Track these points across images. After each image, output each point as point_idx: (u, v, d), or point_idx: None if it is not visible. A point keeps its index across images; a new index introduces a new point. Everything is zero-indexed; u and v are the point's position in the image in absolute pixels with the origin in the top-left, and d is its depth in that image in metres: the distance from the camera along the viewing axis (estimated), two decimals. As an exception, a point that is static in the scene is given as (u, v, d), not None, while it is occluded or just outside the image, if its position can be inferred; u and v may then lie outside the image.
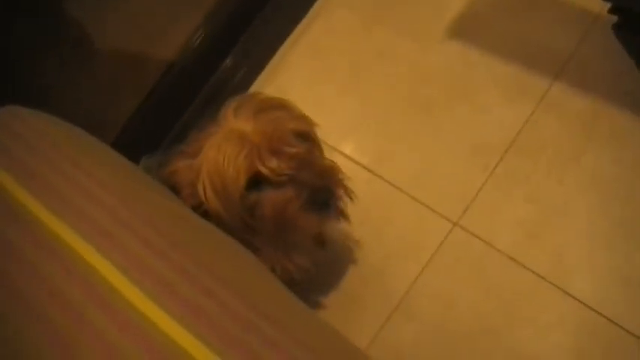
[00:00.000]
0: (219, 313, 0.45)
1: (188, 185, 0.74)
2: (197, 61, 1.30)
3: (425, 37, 1.18)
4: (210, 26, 1.31)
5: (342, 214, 0.84)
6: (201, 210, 0.73)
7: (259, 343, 0.43)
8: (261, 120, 0.72)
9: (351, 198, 0.83)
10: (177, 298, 0.45)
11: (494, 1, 1.15)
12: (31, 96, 1.04)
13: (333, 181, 0.78)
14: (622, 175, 0.93)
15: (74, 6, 1.15)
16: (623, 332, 0.83)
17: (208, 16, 1.31)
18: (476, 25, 1.15)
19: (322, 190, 0.74)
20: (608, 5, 0.87)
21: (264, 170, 0.70)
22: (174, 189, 0.75)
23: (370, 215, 1.04)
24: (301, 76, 1.26)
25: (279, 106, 0.76)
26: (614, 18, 0.88)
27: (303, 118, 0.78)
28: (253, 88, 1.29)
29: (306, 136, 0.77)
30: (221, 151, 0.70)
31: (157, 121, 1.27)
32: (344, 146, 1.13)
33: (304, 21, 1.32)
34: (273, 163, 0.71)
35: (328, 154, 0.83)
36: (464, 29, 1.15)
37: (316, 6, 1.33)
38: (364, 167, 1.10)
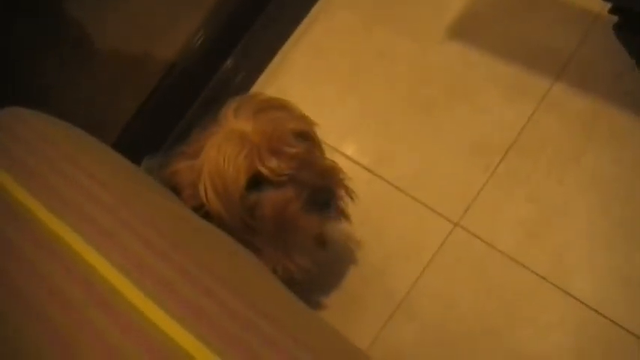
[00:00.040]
0: (219, 312, 0.45)
1: (189, 186, 0.74)
2: (198, 62, 1.30)
3: (425, 38, 1.18)
4: (211, 27, 1.31)
5: (343, 214, 0.84)
6: (203, 211, 0.73)
7: (259, 343, 0.43)
8: (261, 120, 0.72)
9: (351, 198, 0.83)
10: (178, 298, 0.45)
11: (494, 1, 1.15)
12: (31, 96, 1.04)
13: (334, 181, 0.78)
14: (622, 175, 0.93)
15: (74, 6, 1.15)
16: (624, 332, 0.83)
17: (209, 16, 1.31)
18: (476, 25, 1.15)
19: (323, 190, 0.74)
20: (609, 5, 0.87)
21: (264, 170, 0.70)
22: (176, 190, 0.75)
23: (371, 215, 1.04)
24: (302, 76, 1.26)
25: (280, 106, 0.76)
26: (615, 18, 0.88)
27: (303, 118, 0.78)
28: (254, 89, 1.29)
29: (307, 136, 0.77)
30: (221, 152, 0.70)
31: (158, 122, 1.27)
32: (344, 147, 1.13)
33: (305, 21, 1.32)
34: (273, 163, 0.71)
35: (329, 155, 0.83)
36: (464, 29, 1.15)
37: (317, 7, 1.33)
38: (364, 167, 1.10)
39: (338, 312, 0.99)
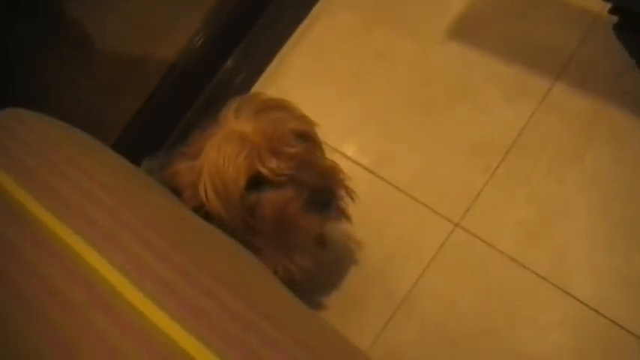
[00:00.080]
0: (220, 313, 0.45)
1: (189, 187, 0.74)
2: (198, 62, 1.30)
3: (425, 38, 1.18)
4: (212, 27, 1.31)
5: (343, 215, 0.84)
6: (203, 211, 0.73)
7: (259, 343, 0.43)
8: (261, 120, 0.72)
9: (352, 198, 0.83)
10: (178, 299, 0.45)
11: (494, 1, 1.15)
12: (31, 96, 1.04)
13: (334, 182, 0.78)
14: (622, 175, 0.93)
15: (74, 6, 1.15)
16: (624, 332, 0.83)
17: (209, 16, 1.31)
18: (476, 25, 1.15)
19: (323, 191, 0.74)
20: (609, 5, 0.87)
21: (263, 170, 0.70)
22: (176, 191, 0.75)
23: (371, 216, 1.04)
24: (302, 77, 1.26)
25: (280, 106, 0.76)
26: (615, 18, 0.88)
27: (304, 118, 0.78)
28: (255, 89, 1.29)
29: (307, 137, 0.77)
30: (221, 152, 0.70)
31: (158, 123, 1.27)
32: (345, 147, 1.13)
33: (305, 22, 1.32)
34: (273, 163, 0.71)
35: (329, 155, 0.83)
36: (464, 29, 1.15)
37: (317, 7, 1.33)
38: (365, 168, 1.10)
39: (338, 312, 0.99)
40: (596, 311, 0.86)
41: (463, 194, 1.01)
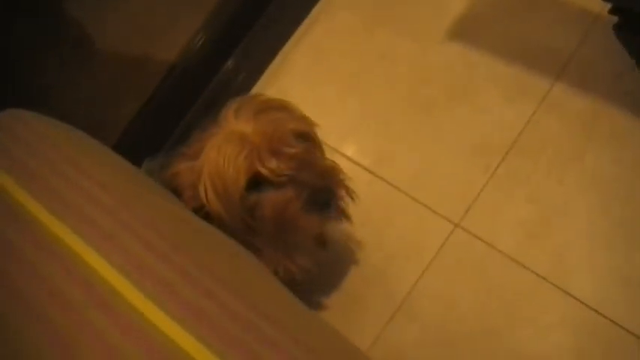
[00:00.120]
0: (220, 314, 0.45)
1: (189, 187, 0.74)
2: (198, 63, 1.30)
3: (425, 38, 1.18)
4: (212, 27, 1.31)
5: (344, 215, 0.84)
6: (203, 212, 0.73)
7: (259, 343, 0.43)
8: (261, 121, 0.72)
9: (352, 198, 0.83)
10: (178, 300, 0.45)
11: (494, 2, 1.15)
12: (31, 96, 1.04)
13: (334, 182, 0.78)
14: (622, 175, 0.93)
15: (74, 6, 1.15)
16: (624, 332, 0.83)
17: (209, 17, 1.31)
18: (476, 25, 1.15)
19: (323, 191, 0.74)
20: (609, 5, 0.87)
21: (263, 171, 0.70)
22: (176, 191, 0.75)
23: (372, 216, 1.04)
24: (302, 77, 1.26)
25: (280, 107, 0.76)
26: (615, 18, 0.88)
27: (304, 118, 0.78)
28: (255, 90, 1.29)
29: (307, 137, 0.77)
30: (221, 153, 0.70)
31: (158, 124, 1.27)
32: (345, 147, 1.13)
33: (305, 22, 1.32)
34: (273, 163, 0.71)
35: (329, 155, 0.83)
36: (464, 30, 1.15)
37: (317, 8, 1.33)
38: (365, 168, 1.10)
39: (339, 313, 0.99)
40: (596, 311, 0.86)
41: (463, 194, 1.01)
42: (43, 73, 1.14)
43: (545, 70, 1.04)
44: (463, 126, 1.07)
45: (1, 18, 1.03)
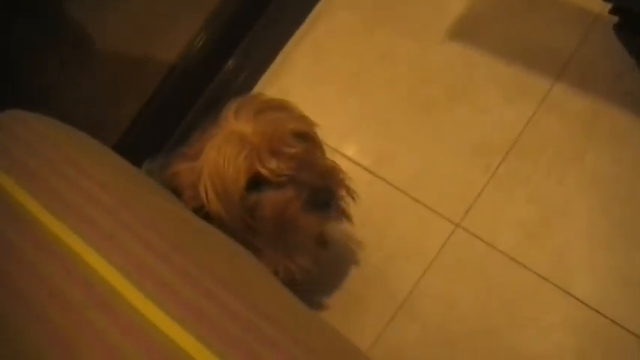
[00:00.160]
0: (220, 314, 0.45)
1: (190, 187, 0.74)
2: (199, 63, 1.30)
3: (425, 38, 1.18)
4: (212, 28, 1.31)
5: (344, 215, 0.84)
6: (203, 212, 0.73)
7: (260, 344, 0.43)
8: (261, 121, 0.72)
9: (352, 198, 0.83)
10: (178, 300, 0.45)
11: (494, 2, 1.15)
12: (31, 96, 1.04)
13: (334, 182, 0.78)
14: (622, 175, 0.93)
15: (74, 6, 1.15)
16: (624, 332, 0.83)
17: (210, 17, 1.31)
18: (476, 25, 1.15)
19: (323, 191, 0.74)
20: (609, 5, 0.87)
21: (263, 171, 0.70)
22: (177, 191, 0.75)
23: (372, 217, 1.04)
24: (303, 77, 1.26)
25: (280, 107, 0.76)
26: (615, 18, 0.88)
27: (304, 118, 0.78)
28: (256, 90, 1.29)
29: (306, 137, 0.77)
30: (221, 153, 0.70)
31: (158, 124, 1.27)
32: (345, 147, 1.13)
33: (306, 22, 1.32)
34: (273, 163, 0.71)
35: (329, 156, 0.83)
36: (464, 30, 1.15)
37: (318, 8, 1.33)
38: (365, 168, 1.10)
39: (339, 313, 0.99)
40: (596, 311, 0.86)
41: (463, 194, 1.01)
42: (43, 73, 1.14)
43: (545, 70, 1.04)
44: (463, 126, 1.07)
45: (1, 18, 1.03)
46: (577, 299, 0.88)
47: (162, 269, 0.48)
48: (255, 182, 0.72)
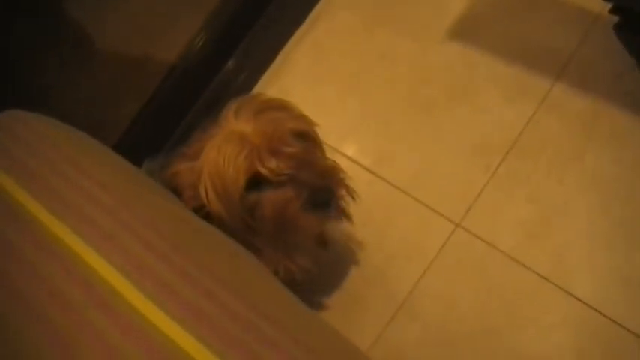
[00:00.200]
0: (220, 314, 0.45)
1: (190, 187, 0.74)
2: (199, 63, 1.30)
3: (425, 38, 1.18)
4: (212, 28, 1.31)
5: (345, 214, 0.84)
6: (203, 212, 0.73)
7: (260, 344, 0.43)
8: (261, 121, 0.72)
9: (353, 198, 0.83)
10: (178, 300, 0.45)
11: (494, 2, 1.15)
12: (31, 96, 1.04)
13: (334, 181, 0.78)
14: (622, 175, 0.93)
15: (74, 6, 1.15)
16: (624, 331, 0.83)
17: (210, 17, 1.31)
18: (476, 25, 1.15)
19: (323, 190, 0.74)
20: (609, 5, 0.87)
21: (263, 171, 0.70)
22: (177, 191, 0.75)
23: (373, 217, 1.04)
24: (303, 77, 1.26)
25: (280, 106, 0.76)
26: (615, 18, 0.88)
27: (303, 118, 0.78)
28: (256, 90, 1.29)
29: (306, 136, 0.77)
30: (221, 153, 0.70)
31: (159, 124, 1.27)
32: (345, 147, 1.13)
33: (306, 22, 1.32)
34: (272, 163, 0.71)
35: (329, 156, 0.83)
36: (464, 30, 1.15)
37: (318, 8, 1.33)
38: (365, 168, 1.10)
39: (340, 313, 0.99)
40: (596, 311, 0.86)
41: (464, 194, 1.01)
42: (43, 73, 1.14)
43: (545, 70, 1.04)
44: (463, 126, 1.07)
45: (1, 18, 1.03)
46: (577, 299, 0.88)
47: (162, 269, 0.48)
48: (255, 182, 0.72)
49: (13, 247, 0.52)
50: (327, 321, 0.56)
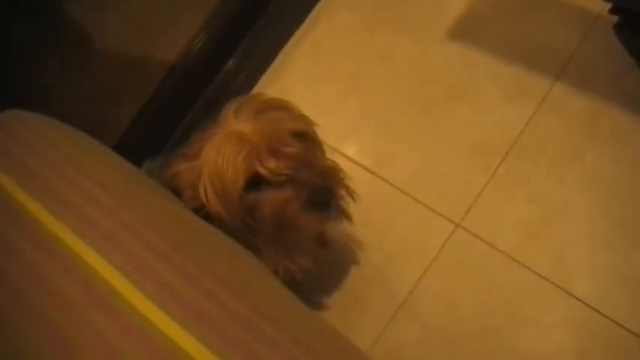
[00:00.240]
0: (220, 314, 0.45)
1: (189, 187, 0.74)
2: (199, 63, 1.30)
3: (425, 38, 1.18)
4: (212, 28, 1.31)
5: (345, 214, 0.84)
6: (203, 212, 0.73)
7: (260, 344, 0.43)
8: (260, 121, 0.72)
9: (353, 198, 0.82)
10: (178, 300, 0.45)
11: (494, 2, 1.15)
12: (31, 96, 1.04)
13: (334, 181, 0.77)
14: (622, 175, 0.93)
15: (74, 6, 1.15)
16: (624, 332, 0.83)
17: (210, 17, 1.31)
18: (476, 25, 1.15)
19: (322, 190, 0.74)
20: (609, 5, 0.87)
21: (262, 171, 0.70)
22: (177, 191, 0.75)
23: (373, 217, 1.04)
24: (303, 77, 1.26)
25: (279, 106, 0.76)
26: (615, 18, 0.88)
27: (303, 118, 0.78)
28: (256, 90, 1.29)
29: (306, 136, 0.77)
30: (220, 153, 0.70)
31: (159, 124, 1.27)
32: (345, 147, 1.13)
33: (306, 22, 1.32)
34: (272, 163, 0.71)
35: (329, 156, 0.83)
36: (464, 30, 1.15)
37: (318, 8, 1.33)
38: (365, 168, 1.10)
39: (339, 312, 0.99)
40: (596, 311, 0.86)
41: (463, 194, 1.01)
42: (43, 73, 1.14)
43: (545, 70, 1.04)
44: (463, 126, 1.07)
45: (1, 18, 1.03)
46: (577, 299, 0.88)
47: (162, 269, 0.48)
48: (255, 182, 0.72)
49: (13, 247, 0.52)
50: (327, 321, 0.56)
